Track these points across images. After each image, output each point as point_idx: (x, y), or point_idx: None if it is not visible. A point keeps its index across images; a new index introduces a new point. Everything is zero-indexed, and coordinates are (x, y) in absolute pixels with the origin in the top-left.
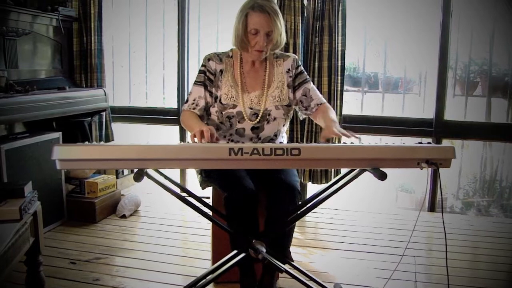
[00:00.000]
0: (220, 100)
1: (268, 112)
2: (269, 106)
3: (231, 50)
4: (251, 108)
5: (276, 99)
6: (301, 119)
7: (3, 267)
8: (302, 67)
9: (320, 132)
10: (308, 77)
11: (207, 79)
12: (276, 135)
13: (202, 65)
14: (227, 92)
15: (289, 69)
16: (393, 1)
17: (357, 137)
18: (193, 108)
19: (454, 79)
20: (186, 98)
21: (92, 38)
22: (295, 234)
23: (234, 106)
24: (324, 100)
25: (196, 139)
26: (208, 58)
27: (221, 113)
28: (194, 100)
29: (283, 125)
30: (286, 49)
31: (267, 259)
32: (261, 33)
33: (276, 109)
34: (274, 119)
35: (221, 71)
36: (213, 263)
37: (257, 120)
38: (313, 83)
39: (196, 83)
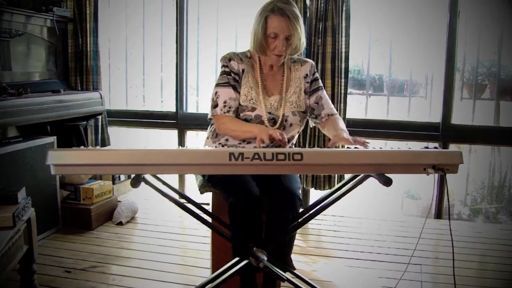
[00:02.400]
0: (239, 101)
1: (286, 118)
2: (287, 112)
3: (249, 51)
4: (269, 113)
5: (293, 104)
6: (311, 126)
7: None
8: (317, 74)
9: (324, 137)
10: (321, 84)
11: (232, 79)
12: (288, 141)
13: (223, 66)
14: (247, 93)
15: (306, 75)
16: (398, 1)
17: (367, 143)
18: (226, 111)
19: (461, 81)
20: (213, 102)
21: (88, 40)
22: (297, 242)
23: (253, 109)
24: (335, 112)
25: (263, 144)
26: (229, 58)
27: (239, 114)
28: (225, 102)
29: (297, 132)
30: None
31: (268, 268)
32: (281, 37)
33: (293, 115)
34: (291, 125)
35: (243, 70)
36: (213, 271)
37: (276, 126)
38: None
39: (220, 85)
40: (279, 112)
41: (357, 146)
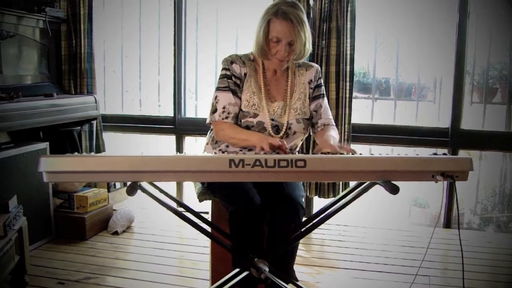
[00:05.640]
0: (239, 106)
1: (289, 126)
2: (291, 119)
3: (252, 53)
4: (272, 120)
5: (297, 111)
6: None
7: None
8: (322, 80)
9: None
10: (324, 92)
11: (233, 83)
12: (291, 150)
13: (224, 69)
14: (249, 98)
15: (311, 80)
16: (406, 1)
17: (353, 151)
18: (225, 117)
19: (471, 85)
20: (212, 107)
21: (82, 41)
22: (300, 252)
23: (255, 115)
24: (332, 122)
25: (263, 152)
26: (231, 61)
27: (240, 121)
28: (224, 108)
29: (301, 140)
30: None
31: (270, 279)
32: (283, 42)
33: (297, 123)
34: (294, 133)
35: (245, 74)
36: (212, 283)
37: (280, 134)
38: None
39: (220, 89)
40: (283, 119)
41: (343, 152)
